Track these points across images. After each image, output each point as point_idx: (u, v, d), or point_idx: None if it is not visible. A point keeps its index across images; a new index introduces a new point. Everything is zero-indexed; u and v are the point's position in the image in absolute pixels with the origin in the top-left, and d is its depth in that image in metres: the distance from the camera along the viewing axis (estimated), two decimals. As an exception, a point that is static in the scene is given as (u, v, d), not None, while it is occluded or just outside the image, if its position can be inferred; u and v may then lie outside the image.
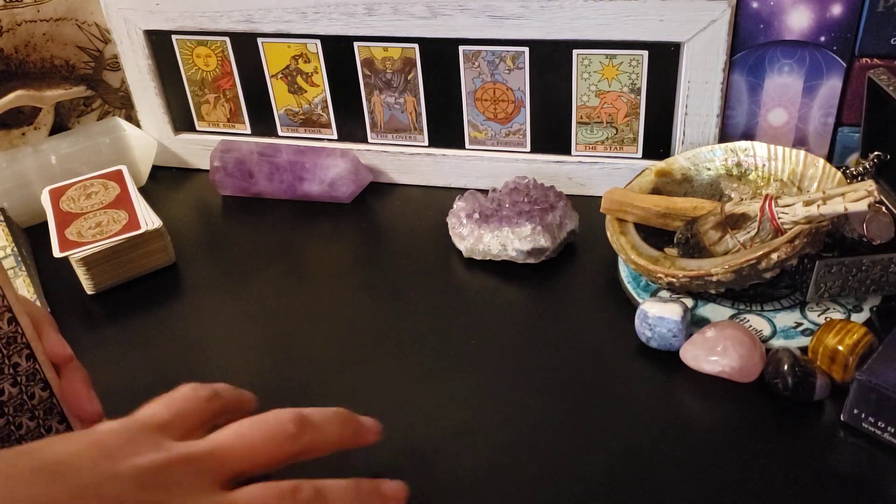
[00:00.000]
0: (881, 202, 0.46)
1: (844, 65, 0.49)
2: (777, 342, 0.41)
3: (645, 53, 0.51)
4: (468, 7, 0.52)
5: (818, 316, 0.42)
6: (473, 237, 0.50)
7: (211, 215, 0.60)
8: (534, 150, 0.58)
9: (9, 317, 0.29)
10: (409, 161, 0.60)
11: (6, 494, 0.22)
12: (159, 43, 0.60)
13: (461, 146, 0.59)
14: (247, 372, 0.43)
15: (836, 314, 0.42)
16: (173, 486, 0.24)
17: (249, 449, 0.26)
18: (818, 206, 0.39)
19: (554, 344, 0.44)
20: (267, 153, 0.59)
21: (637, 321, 0.42)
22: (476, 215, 0.50)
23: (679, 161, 0.51)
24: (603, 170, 0.56)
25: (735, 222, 0.43)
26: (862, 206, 0.37)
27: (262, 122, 0.62)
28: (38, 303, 0.46)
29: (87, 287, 0.50)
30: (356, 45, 0.56)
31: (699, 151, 0.51)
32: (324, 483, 0.27)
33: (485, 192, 0.53)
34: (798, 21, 0.48)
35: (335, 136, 0.61)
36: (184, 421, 0.27)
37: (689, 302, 0.44)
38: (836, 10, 0.47)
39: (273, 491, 0.25)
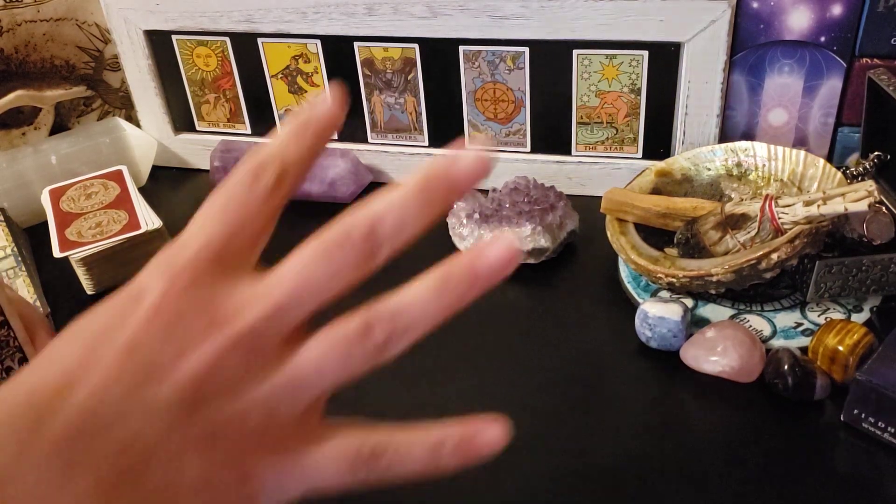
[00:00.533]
0: (881, 202, 0.46)
1: (844, 65, 0.49)
2: (777, 342, 0.41)
3: (645, 53, 0.51)
4: (468, 7, 0.52)
5: (818, 316, 0.42)
6: (474, 237, 0.50)
7: (211, 215, 0.60)
8: (534, 150, 0.58)
9: (0, 320, 0.29)
10: (409, 161, 0.60)
11: (34, 497, 0.18)
12: (159, 43, 0.60)
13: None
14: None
15: (837, 314, 0.42)
16: (230, 384, 0.20)
17: (317, 289, 0.21)
18: (818, 206, 0.39)
19: (554, 344, 0.44)
20: (267, 153, 0.59)
21: (637, 321, 0.42)
22: (476, 215, 0.50)
23: (679, 161, 0.51)
24: (603, 170, 0.56)
25: (735, 222, 0.43)
26: (862, 206, 0.37)
27: (263, 122, 0.62)
28: (37, 303, 0.46)
29: (88, 287, 0.50)
30: (356, 45, 0.56)
31: (699, 151, 0.51)
32: (398, 303, 0.21)
33: (485, 192, 0.53)
34: (798, 21, 0.48)
35: (335, 136, 0.61)
36: (243, 233, 0.22)
37: (690, 302, 0.44)
38: (837, 10, 0.47)
39: (340, 343, 0.21)
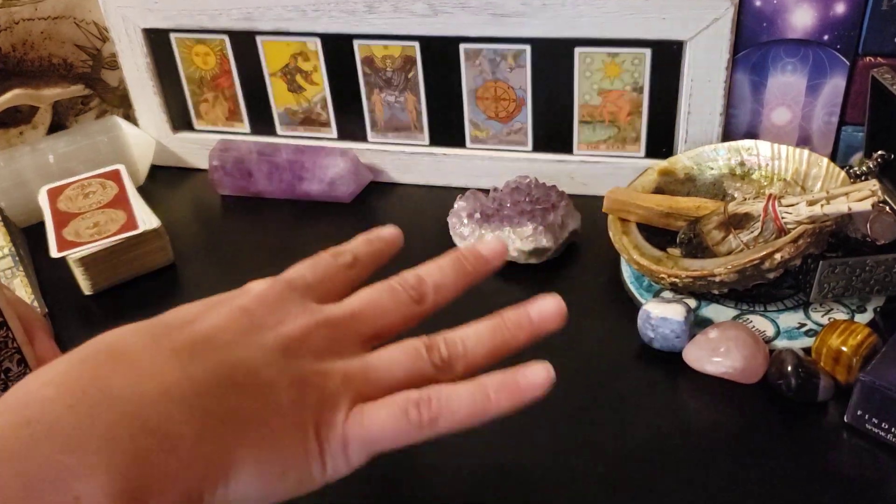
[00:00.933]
0: (885, 202, 0.45)
1: (848, 63, 0.49)
2: (780, 343, 0.41)
3: (647, 52, 0.51)
4: (469, 4, 0.52)
5: (822, 316, 0.42)
6: (475, 237, 0.50)
7: (210, 215, 0.59)
8: (535, 149, 0.57)
9: None
10: (409, 160, 0.59)
11: (153, 373, 0.22)
12: (158, 41, 0.60)
13: (462, 145, 0.58)
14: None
15: (840, 315, 0.42)
16: (317, 351, 0.25)
17: (381, 312, 0.27)
18: (822, 205, 0.39)
19: (555, 345, 0.43)
20: (266, 152, 0.59)
21: (639, 322, 0.42)
22: (477, 215, 0.50)
23: (682, 160, 0.51)
24: (605, 169, 0.56)
25: (738, 222, 0.43)
26: (866, 205, 0.37)
27: (262, 120, 0.62)
28: (35, 303, 0.46)
29: (85, 287, 0.50)
30: (356, 42, 0.56)
31: (702, 150, 0.51)
32: (456, 334, 0.27)
33: (486, 191, 0.53)
34: (801, 19, 0.48)
35: (335, 135, 0.61)
36: (325, 285, 0.28)
37: (692, 302, 0.44)
38: (840, 8, 0.47)
39: (408, 351, 0.26)
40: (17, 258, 0.48)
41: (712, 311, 0.43)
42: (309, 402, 0.24)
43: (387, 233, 0.32)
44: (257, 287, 0.27)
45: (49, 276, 0.51)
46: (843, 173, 0.45)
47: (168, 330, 0.25)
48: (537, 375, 0.26)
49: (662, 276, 0.43)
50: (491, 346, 0.27)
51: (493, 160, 0.58)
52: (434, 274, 0.29)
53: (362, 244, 0.31)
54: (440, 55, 0.55)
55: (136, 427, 0.21)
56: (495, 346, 0.27)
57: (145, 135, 0.63)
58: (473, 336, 0.27)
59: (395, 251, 0.32)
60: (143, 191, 0.56)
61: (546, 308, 0.28)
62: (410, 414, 0.25)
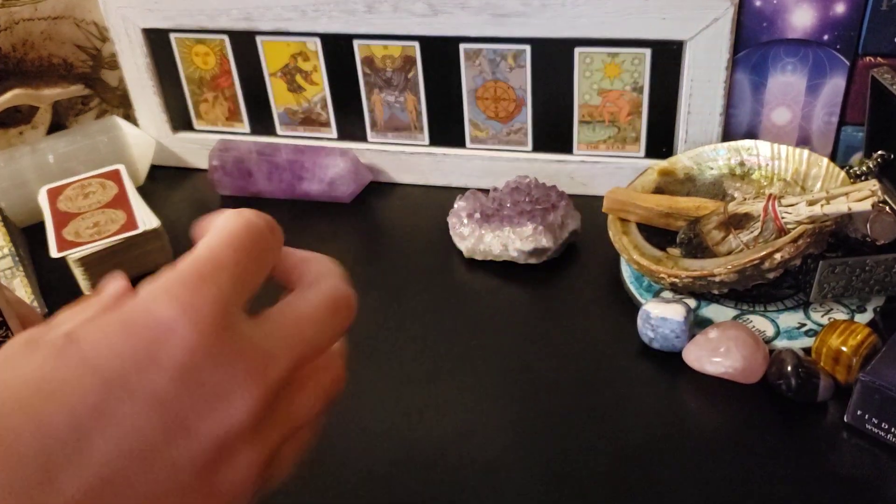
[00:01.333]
0: (885, 202, 0.45)
1: (848, 63, 0.49)
2: (780, 343, 0.41)
3: (647, 52, 0.51)
4: (469, 4, 0.52)
5: (822, 316, 0.42)
6: (474, 237, 0.50)
7: (210, 215, 0.59)
8: (535, 149, 0.57)
9: None
10: (409, 160, 0.59)
11: None
12: (157, 41, 0.60)
13: (462, 145, 0.58)
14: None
15: (840, 315, 0.42)
16: (245, 437, 0.19)
17: (323, 344, 0.21)
18: (822, 205, 0.39)
19: (555, 345, 0.44)
20: (266, 152, 0.59)
21: (639, 322, 0.42)
22: (477, 215, 0.50)
23: (682, 160, 0.51)
24: (605, 169, 0.56)
25: (738, 222, 0.43)
26: (866, 205, 0.37)
27: (261, 121, 0.62)
28: (35, 303, 0.46)
29: (85, 287, 0.50)
30: (356, 42, 0.56)
31: (702, 150, 0.51)
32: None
33: (486, 191, 0.53)
34: (801, 19, 0.48)
35: (335, 135, 0.61)
36: (250, 275, 0.21)
37: (692, 302, 0.44)
38: (840, 8, 0.47)
39: (315, 387, 0.21)
40: (16, 258, 0.48)
41: (712, 311, 0.43)
42: None
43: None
44: (177, 339, 0.18)
45: (49, 276, 0.51)
46: (842, 173, 0.45)
47: (50, 470, 0.16)
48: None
49: (662, 276, 0.43)
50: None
51: (492, 160, 0.58)
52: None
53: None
54: (440, 55, 0.55)
55: None
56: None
57: (145, 135, 0.63)
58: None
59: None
60: (142, 191, 0.56)
61: None
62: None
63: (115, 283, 0.22)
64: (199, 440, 0.18)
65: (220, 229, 0.21)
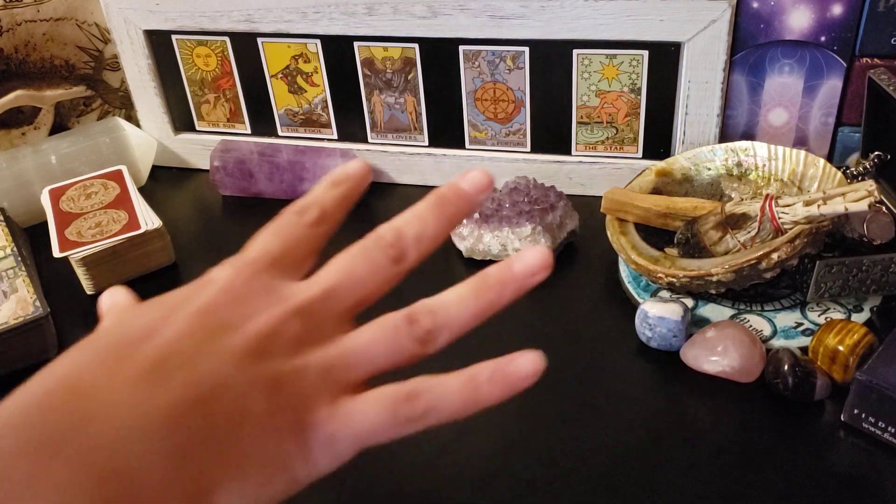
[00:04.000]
0: (881, 202, 0.46)
1: (845, 64, 0.49)
2: (777, 342, 0.41)
3: (645, 53, 0.51)
4: (468, 7, 0.52)
5: (818, 316, 0.42)
6: (473, 237, 0.50)
7: (211, 215, 0.60)
8: (534, 149, 0.57)
9: None
10: (409, 161, 0.60)
11: (114, 408, 0.21)
12: (159, 43, 0.60)
13: (461, 146, 0.59)
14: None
15: (837, 314, 0.42)
16: (290, 345, 0.23)
17: (357, 282, 0.25)
18: (819, 206, 0.39)
19: (554, 344, 0.44)
20: (267, 153, 0.59)
21: (637, 321, 0.42)
22: (476, 215, 0.50)
23: (679, 161, 0.51)
24: (603, 170, 0.56)
25: (735, 222, 0.43)
26: (862, 206, 0.37)
27: (262, 121, 0.62)
28: (37, 303, 0.46)
29: (87, 287, 0.50)
30: (356, 44, 0.56)
31: (699, 151, 0.51)
32: (437, 301, 0.25)
33: (485, 191, 0.53)
34: (798, 21, 0.48)
35: (335, 136, 0.61)
36: (293, 253, 0.26)
37: (690, 302, 0.44)
38: (837, 9, 0.47)
39: (388, 329, 0.24)
40: (19, 258, 0.49)
41: (709, 310, 0.44)
42: (286, 405, 0.22)
43: (353, 168, 0.28)
44: (219, 278, 0.25)
45: (51, 276, 0.51)
46: (839, 174, 0.45)
47: (125, 351, 0.22)
48: (527, 365, 0.24)
49: (660, 275, 0.43)
50: (475, 311, 0.25)
51: (491, 161, 0.58)
52: (413, 224, 0.26)
53: (328, 190, 0.27)
54: (440, 57, 0.55)
55: (98, 473, 0.20)
56: (479, 310, 0.25)
57: (147, 136, 0.63)
58: (455, 302, 0.25)
59: (365, 187, 0.28)
60: (144, 191, 0.56)
61: (530, 260, 0.25)
62: (400, 410, 0.23)
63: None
64: (242, 334, 0.23)
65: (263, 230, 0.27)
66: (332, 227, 0.27)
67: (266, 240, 0.26)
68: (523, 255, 0.25)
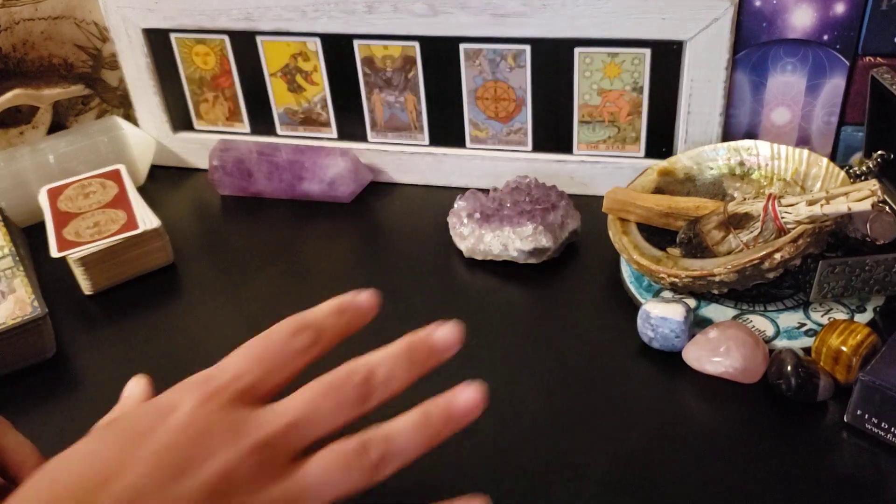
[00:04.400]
0: (885, 202, 0.45)
1: (848, 63, 0.49)
2: (780, 343, 0.41)
3: (647, 52, 0.51)
4: (469, 5, 0.52)
5: (821, 316, 0.42)
6: (474, 237, 0.50)
7: (210, 215, 0.59)
8: (535, 149, 0.57)
9: None
10: (409, 160, 0.59)
11: None
12: (158, 41, 0.60)
13: (462, 145, 0.59)
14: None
15: (840, 314, 0.42)
16: (248, 484, 0.24)
17: (322, 419, 0.25)
18: (821, 205, 0.39)
19: (555, 345, 0.44)
20: (266, 152, 0.59)
21: (639, 322, 0.42)
22: (477, 215, 0.50)
23: (682, 160, 0.51)
24: (605, 169, 0.56)
25: (738, 222, 0.43)
26: (865, 205, 0.37)
27: (262, 120, 0.62)
28: (35, 303, 0.46)
29: (85, 287, 0.50)
30: (356, 43, 0.56)
31: (702, 150, 0.51)
32: (389, 430, 0.26)
33: (486, 191, 0.53)
34: (801, 19, 0.48)
35: (335, 135, 0.61)
36: (271, 379, 0.26)
37: (692, 302, 0.44)
38: (840, 8, 0.47)
39: (340, 459, 0.25)
40: (17, 258, 0.49)
41: (712, 310, 0.43)
42: None
43: (363, 300, 0.28)
44: (183, 411, 0.24)
45: (49, 275, 0.51)
46: (842, 173, 0.45)
47: (85, 495, 0.22)
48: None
49: (662, 275, 0.43)
50: (420, 445, 0.26)
51: (493, 160, 0.58)
52: (384, 366, 0.26)
53: (330, 316, 0.27)
54: (440, 55, 0.55)
55: None
56: (423, 444, 0.26)
57: (145, 135, 0.63)
58: (404, 435, 0.25)
59: (367, 322, 0.28)
60: (143, 191, 0.56)
61: (466, 399, 0.26)
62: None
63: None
64: (200, 478, 0.23)
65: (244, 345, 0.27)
66: (320, 353, 0.27)
67: (246, 365, 0.26)
68: (459, 394, 0.26)
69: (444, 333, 0.27)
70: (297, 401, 0.25)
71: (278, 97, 0.60)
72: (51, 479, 0.23)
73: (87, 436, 0.25)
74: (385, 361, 0.26)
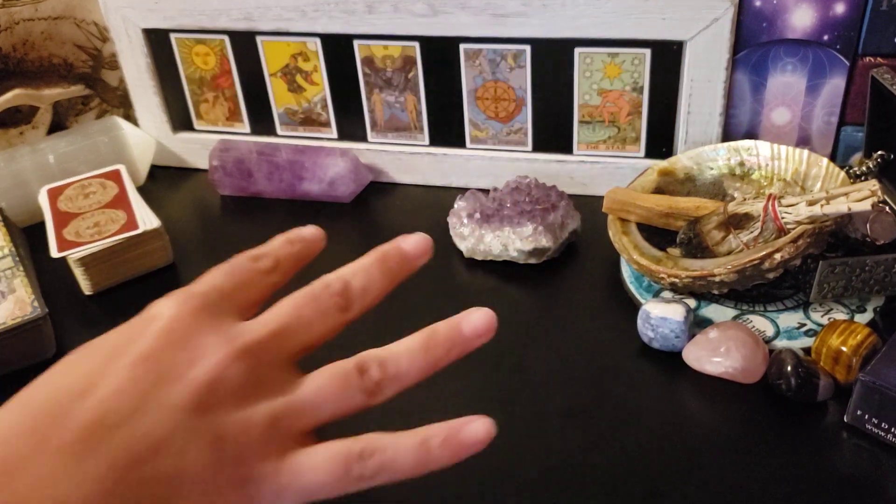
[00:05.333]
0: (885, 202, 0.45)
1: (848, 63, 0.49)
2: (780, 343, 0.41)
3: (647, 52, 0.51)
4: (469, 5, 0.52)
5: (821, 316, 0.42)
6: (474, 237, 0.50)
7: (210, 215, 0.59)
8: (535, 149, 0.57)
9: None
10: (409, 160, 0.59)
11: (44, 484, 0.20)
12: (158, 41, 0.60)
13: (462, 145, 0.58)
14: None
15: (840, 315, 0.42)
16: (236, 393, 0.22)
17: (305, 326, 0.25)
18: (821, 205, 0.39)
19: (555, 345, 0.44)
20: (266, 152, 0.59)
21: (639, 322, 0.42)
22: (477, 215, 0.50)
23: (682, 160, 0.51)
24: (605, 169, 0.56)
25: (738, 222, 0.43)
26: (865, 205, 0.37)
27: (262, 121, 0.62)
28: (35, 303, 0.46)
29: (85, 287, 0.50)
30: (356, 43, 0.56)
31: (702, 151, 0.51)
32: (390, 351, 0.25)
33: (486, 191, 0.53)
34: (801, 19, 0.48)
35: (335, 136, 0.61)
36: (243, 293, 0.26)
37: (692, 302, 0.44)
38: (840, 8, 0.47)
39: (339, 376, 0.24)
40: (17, 258, 0.48)
41: (712, 310, 0.43)
42: (231, 459, 0.22)
43: (308, 233, 0.28)
44: (162, 315, 0.23)
45: (49, 276, 0.51)
46: (842, 173, 0.45)
47: (58, 414, 0.21)
48: (479, 431, 0.24)
49: (662, 276, 0.43)
50: (423, 366, 0.25)
51: (493, 160, 0.58)
52: (359, 276, 0.26)
53: (283, 245, 0.28)
54: (440, 55, 0.55)
55: None
56: (427, 366, 0.25)
57: (145, 135, 0.63)
58: (405, 356, 0.25)
59: (317, 253, 0.28)
60: (143, 191, 0.56)
61: (477, 322, 0.26)
62: (351, 469, 0.23)
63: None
64: (184, 386, 0.22)
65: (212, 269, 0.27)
66: (282, 279, 0.27)
67: (216, 276, 0.26)
68: (471, 316, 0.26)
69: (413, 240, 0.28)
70: (278, 310, 0.25)
71: (278, 97, 0.60)
72: (27, 395, 0.22)
73: (68, 354, 0.23)
74: (359, 272, 0.26)
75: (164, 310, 0.24)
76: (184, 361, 0.22)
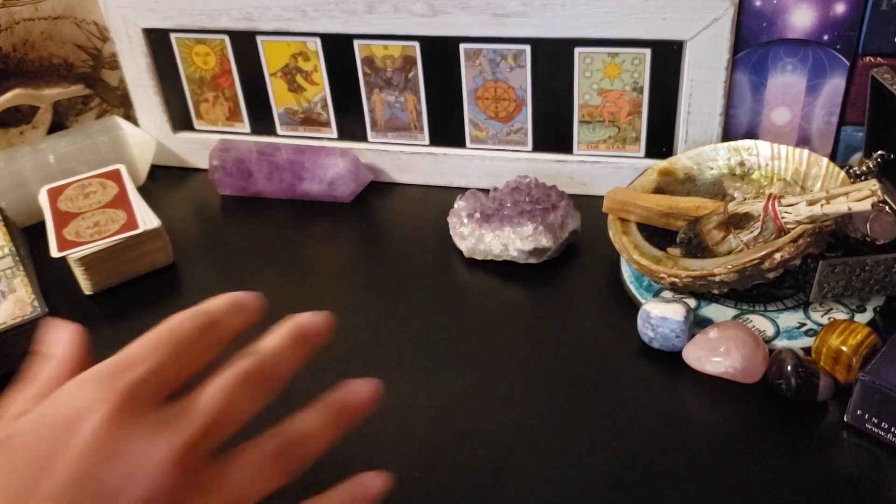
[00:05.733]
0: (885, 202, 0.45)
1: (848, 63, 0.49)
2: (780, 343, 0.41)
3: (647, 52, 0.51)
4: (469, 5, 0.52)
5: (822, 316, 0.42)
6: (474, 237, 0.50)
7: (210, 215, 0.59)
8: (535, 149, 0.57)
9: None
10: (409, 160, 0.59)
11: None
12: (158, 41, 0.60)
13: (462, 145, 0.58)
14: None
15: (840, 314, 0.42)
16: (174, 499, 0.22)
17: (238, 412, 0.24)
18: (822, 205, 0.39)
19: (555, 345, 0.44)
20: (266, 152, 0.59)
21: (639, 322, 0.42)
22: (477, 215, 0.50)
23: (682, 160, 0.51)
24: (605, 169, 0.56)
25: (738, 222, 0.43)
26: (865, 205, 0.37)
27: (262, 120, 0.62)
28: (35, 303, 0.46)
29: (86, 287, 0.50)
30: (356, 42, 0.56)
31: (702, 150, 0.51)
32: (303, 428, 0.25)
33: (486, 191, 0.53)
34: (801, 19, 0.48)
35: (335, 135, 0.61)
36: (172, 369, 0.24)
37: (692, 302, 0.44)
38: (840, 8, 0.47)
39: (265, 463, 0.24)
40: (17, 258, 0.48)
41: (712, 310, 0.43)
42: None
43: (249, 301, 0.27)
44: (88, 422, 0.21)
45: (49, 275, 0.51)
46: (842, 173, 0.45)
47: None
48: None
49: (662, 275, 0.43)
50: (332, 441, 0.26)
51: (493, 160, 0.58)
52: (279, 354, 0.25)
53: (225, 313, 0.26)
54: (440, 55, 0.55)
55: None
56: (335, 440, 0.26)
57: (146, 135, 0.63)
58: (318, 434, 0.25)
59: (256, 324, 0.27)
60: (143, 191, 0.56)
61: (367, 389, 0.26)
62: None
63: (48, 368, 0.25)
64: (125, 501, 0.20)
65: (147, 334, 0.25)
66: (218, 352, 0.25)
67: (145, 352, 0.24)
68: (358, 384, 0.26)
69: (311, 317, 0.27)
70: (211, 395, 0.23)
71: (278, 97, 0.60)
72: None
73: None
74: (277, 349, 0.25)
75: (88, 413, 0.21)
76: (119, 478, 0.21)
